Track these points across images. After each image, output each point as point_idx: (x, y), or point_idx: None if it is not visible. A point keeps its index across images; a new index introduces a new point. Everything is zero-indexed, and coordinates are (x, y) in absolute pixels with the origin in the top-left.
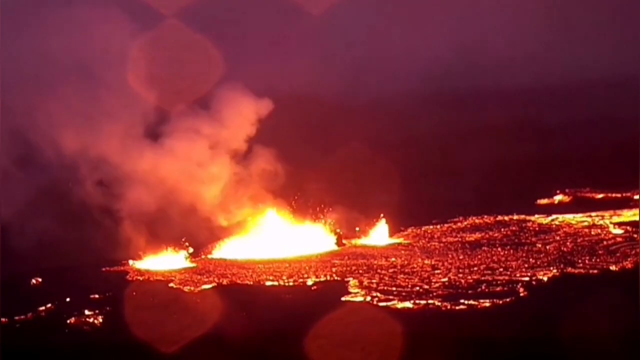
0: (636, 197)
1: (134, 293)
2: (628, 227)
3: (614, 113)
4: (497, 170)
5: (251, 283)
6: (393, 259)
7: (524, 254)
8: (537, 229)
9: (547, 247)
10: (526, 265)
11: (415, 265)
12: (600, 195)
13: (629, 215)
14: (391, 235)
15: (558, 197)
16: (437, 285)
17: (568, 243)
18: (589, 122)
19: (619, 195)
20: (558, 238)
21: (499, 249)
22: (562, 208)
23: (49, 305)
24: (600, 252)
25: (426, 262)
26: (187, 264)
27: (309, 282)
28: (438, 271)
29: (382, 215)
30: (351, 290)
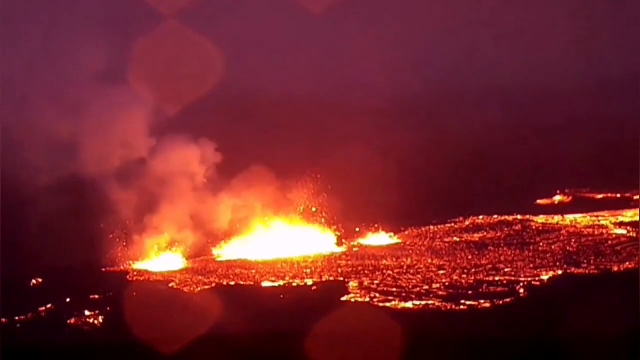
0: (636, 197)
1: (134, 293)
2: (629, 227)
3: (613, 113)
4: (496, 170)
5: (252, 283)
6: (404, 259)
7: (529, 254)
8: (540, 228)
9: (552, 246)
10: (531, 265)
11: (421, 266)
12: (600, 195)
13: (629, 215)
14: (391, 235)
15: (557, 197)
16: (437, 285)
17: (572, 243)
18: (589, 122)
19: (619, 195)
20: (562, 238)
21: (505, 248)
22: (562, 208)
23: (49, 305)
24: (606, 252)
25: (434, 262)
26: (187, 264)
27: (309, 282)
28: (442, 271)
29: (381, 215)
30: (351, 290)
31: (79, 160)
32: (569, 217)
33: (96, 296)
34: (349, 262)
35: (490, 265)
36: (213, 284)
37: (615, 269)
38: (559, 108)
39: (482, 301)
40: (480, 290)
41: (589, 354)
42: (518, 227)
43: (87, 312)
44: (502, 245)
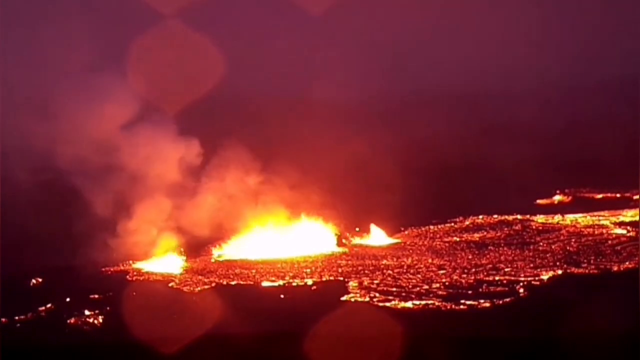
0: (636, 197)
1: (134, 293)
2: (629, 227)
3: (614, 113)
4: (496, 170)
5: (252, 283)
6: (404, 259)
7: (530, 254)
8: (540, 228)
9: (552, 246)
10: (531, 265)
11: (421, 266)
12: (600, 195)
13: (629, 215)
14: (391, 235)
15: (557, 197)
16: (437, 285)
17: (573, 242)
18: (589, 122)
19: (619, 195)
20: (562, 238)
21: (505, 248)
22: (561, 208)
23: (49, 305)
24: (606, 251)
25: (434, 261)
26: (187, 264)
27: (309, 282)
28: (443, 271)
29: (382, 215)
30: (351, 290)
31: (75, 159)
32: (569, 217)
33: (96, 296)
34: (349, 262)
35: (490, 265)
36: (213, 284)
37: (616, 269)
38: (559, 108)
39: (482, 301)
40: (480, 290)
41: (589, 354)
42: (518, 227)
43: (87, 312)
44: (502, 245)
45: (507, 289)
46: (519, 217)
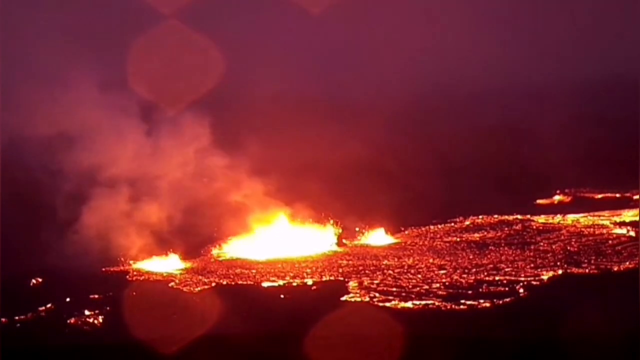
0: (636, 197)
1: (134, 293)
2: (629, 227)
3: (613, 113)
4: (496, 170)
5: (252, 283)
6: (405, 260)
7: (531, 254)
8: (540, 228)
9: (553, 246)
10: (532, 265)
11: (421, 266)
12: (600, 195)
13: (629, 215)
14: (391, 235)
15: (557, 197)
16: (437, 285)
17: (573, 242)
18: (589, 121)
19: (618, 195)
20: (563, 238)
21: (506, 248)
22: (562, 208)
23: (49, 305)
24: (607, 251)
25: (434, 261)
26: (187, 264)
27: (309, 282)
28: (443, 271)
29: (382, 215)
30: (351, 290)
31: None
32: (570, 217)
33: (96, 296)
34: (350, 262)
35: (490, 265)
36: (213, 284)
37: (616, 269)
38: (559, 108)
39: (482, 301)
40: (481, 290)
41: (589, 354)
42: (518, 227)
43: (87, 312)
44: (502, 245)
45: (507, 289)
46: (519, 217)
